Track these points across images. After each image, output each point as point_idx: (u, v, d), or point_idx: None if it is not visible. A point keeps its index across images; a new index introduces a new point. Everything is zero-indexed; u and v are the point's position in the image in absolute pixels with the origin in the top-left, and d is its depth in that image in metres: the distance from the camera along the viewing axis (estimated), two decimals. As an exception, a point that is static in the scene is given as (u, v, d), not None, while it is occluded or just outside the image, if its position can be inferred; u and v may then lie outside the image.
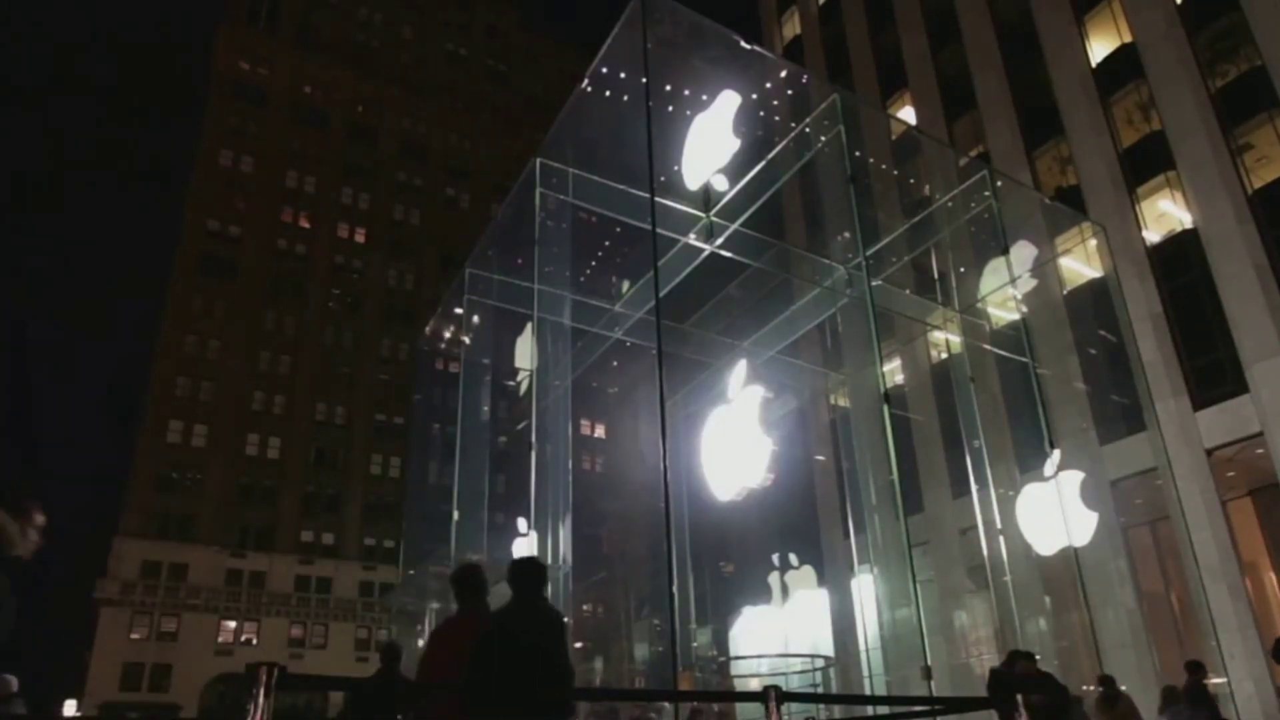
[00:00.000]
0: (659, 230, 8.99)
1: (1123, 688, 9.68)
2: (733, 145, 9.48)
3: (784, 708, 3.16)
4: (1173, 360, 18.77)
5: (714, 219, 10.96)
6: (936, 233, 14.42)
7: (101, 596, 41.05)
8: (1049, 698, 7.02)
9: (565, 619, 4.49)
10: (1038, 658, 8.50)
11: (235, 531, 45.39)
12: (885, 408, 9.42)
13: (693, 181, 10.06)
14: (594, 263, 13.65)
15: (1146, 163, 20.35)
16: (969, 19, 25.92)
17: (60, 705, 38.79)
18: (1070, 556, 11.34)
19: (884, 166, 19.89)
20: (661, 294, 8.90)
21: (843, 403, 19.82)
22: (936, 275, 16.27)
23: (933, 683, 8.33)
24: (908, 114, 27.35)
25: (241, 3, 56.23)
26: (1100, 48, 22.22)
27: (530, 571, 4.11)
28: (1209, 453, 17.96)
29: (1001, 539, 13.22)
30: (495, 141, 61.76)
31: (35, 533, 3.42)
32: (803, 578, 18.83)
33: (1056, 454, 11.87)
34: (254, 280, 50.47)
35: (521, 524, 11.27)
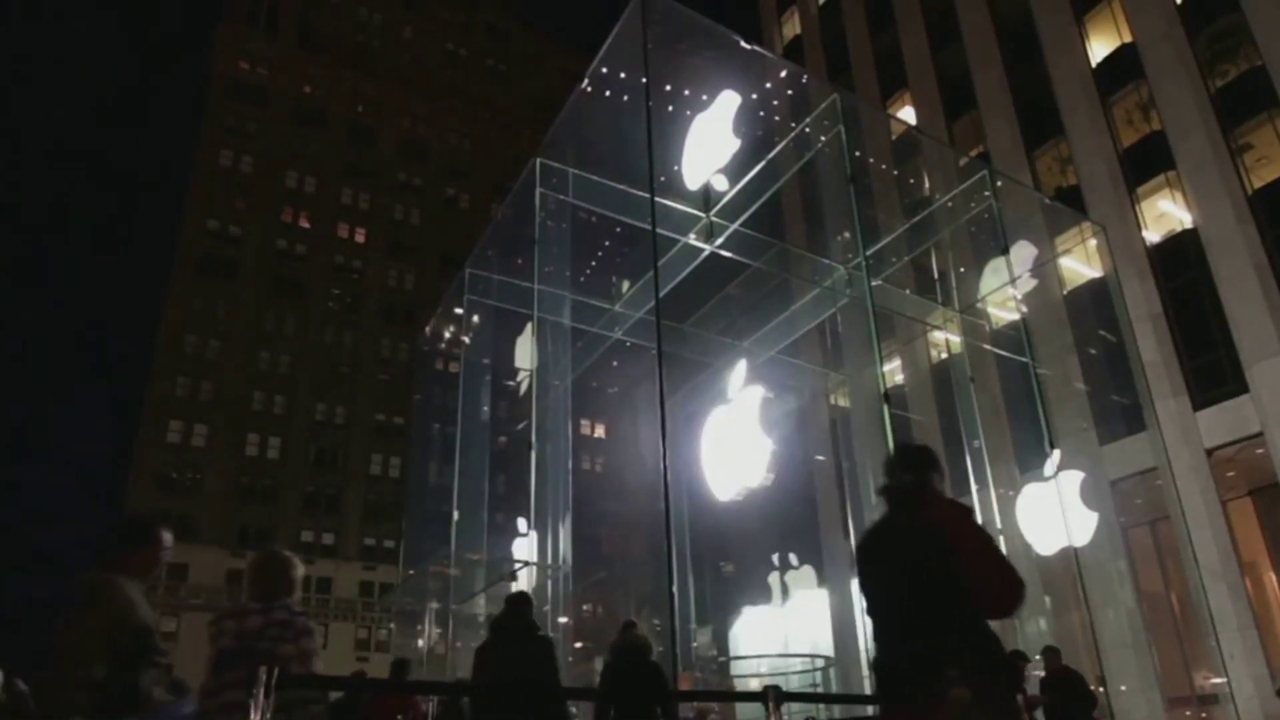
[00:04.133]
0: (659, 230, 8.98)
1: (1122, 687, 9.68)
2: (733, 145, 9.48)
3: (784, 708, 3.16)
4: (1173, 360, 18.76)
5: (714, 219, 10.95)
6: (936, 233, 14.41)
7: (101, 596, 41.05)
8: (1063, 696, 7.03)
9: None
10: (1034, 658, 8.51)
11: (235, 531, 45.34)
12: (885, 408, 9.41)
13: (693, 181, 10.06)
14: (594, 263, 13.63)
15: (1146, 163, 20.33)
16: (969, 19, 25.90)
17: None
18: (1070, 556, 11.35)
19: (884, 166, 19.91)
20: (661, 294, 8.88)
21: (843, 403, 19.85)
22: (936, 275, 16.27)
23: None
24: (908, 114, 27.33)
25: (241, 3, 56.21)
26: (1100, 48, 22.20)
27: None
28: (1209, 453, 17.95)
29: (1001, 539, 13.22)
30: (495, 141, 61.73)
31: None
32: (803, 578, 18.89)
33: (1056, 454, 11.87)
34: (254, 280, 50.46)
35: (521, 524, 11.27)
